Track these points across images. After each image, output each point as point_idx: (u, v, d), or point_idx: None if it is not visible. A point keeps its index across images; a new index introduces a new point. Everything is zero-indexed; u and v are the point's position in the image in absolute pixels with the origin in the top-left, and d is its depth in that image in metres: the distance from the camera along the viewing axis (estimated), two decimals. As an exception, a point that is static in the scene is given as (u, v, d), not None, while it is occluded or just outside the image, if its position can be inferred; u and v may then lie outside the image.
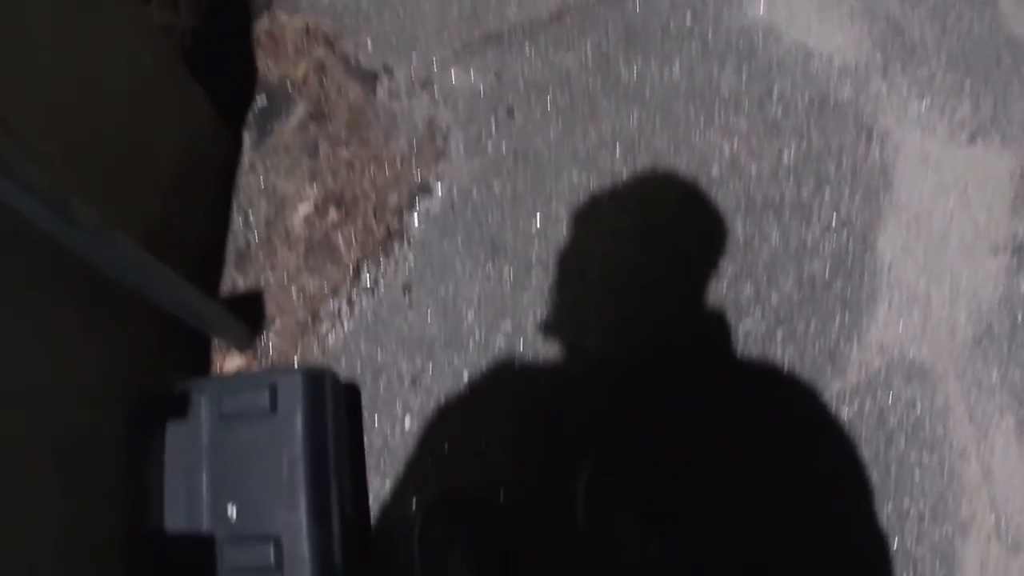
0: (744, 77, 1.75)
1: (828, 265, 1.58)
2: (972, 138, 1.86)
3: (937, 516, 1.45)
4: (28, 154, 0.93)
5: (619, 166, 1.65)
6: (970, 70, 2.04)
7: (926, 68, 1.97)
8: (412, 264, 1.61)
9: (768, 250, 1.58)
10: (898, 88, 1.89)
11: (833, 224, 1.62)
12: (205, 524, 1.31)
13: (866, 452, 1.47)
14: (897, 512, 1.45)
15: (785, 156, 1.67)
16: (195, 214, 1.63)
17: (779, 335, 1.53)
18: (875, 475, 1.46)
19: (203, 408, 1.36)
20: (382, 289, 1.61)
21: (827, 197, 1.64)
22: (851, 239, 1.61)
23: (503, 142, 1.69)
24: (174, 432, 1.37)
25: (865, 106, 1.80)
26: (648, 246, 1.59)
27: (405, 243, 1.64)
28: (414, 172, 1.69)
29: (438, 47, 1.83)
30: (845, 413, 1.49)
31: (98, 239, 1.09)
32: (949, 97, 1.93)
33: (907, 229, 1.65)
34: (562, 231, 1.60)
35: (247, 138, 1.80)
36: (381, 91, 1.80)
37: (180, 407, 1.37)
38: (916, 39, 2.05)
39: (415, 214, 1.66)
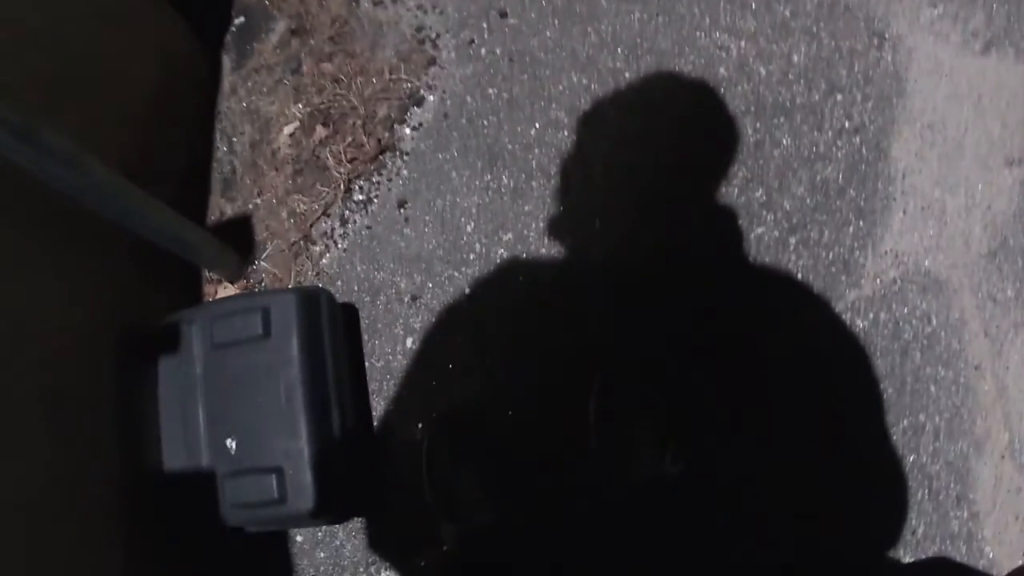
0: (751, -24, 1.60)
1: (841, 171, 1.46)
2: (986, 48, 1.72)
3: (952, 433, 1.36)
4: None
5: (621, 68, 1.50)
6: (983, -20, 1.91)
7: (938, -25, 1.84)
8: (406, 178, 1.48)
9: (779, 154, 1.45)
10: (909, -3, 1.76)
11: (846, 129, 1.49)
12: (205, 460, 1.22)
13: (881, 365, 1.37)
14: (913, 428, 1.36)
15: (795, 58, 1.53)
16: (176, 142, 1.51)
17: (792, 242, 1.41)
18: (891, 389, 1.37)
19: (195, 338, 1.25)
20: (376, 206, 1.48)
21: (839, 101, 1.51)
22: (864, 145, 1.49)
23: (497, 46, 1.54)
24: (167, 366, 1.27)
25: (876, 9, 1.66)
26: (653, 150, 1.46)
27: (398, 157, 1.50)
28: (404, 82, 1.54)
29: (424, -50, 1.67)
30: (860, 324, 1.38)
31: (71, 168, 1.00)
32: (962, 7, 1.79)
33: (921, 137, 1.53)
34: (563, 137, 1.46)
35: (226, 60, 1.64)
36: (364, 0, 1.64)
37: (171, 340, 1.26)
38: (927, -55, 1.91)
39: (407, 126, 1.52)
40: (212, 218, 1.54)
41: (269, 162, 1.55)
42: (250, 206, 1.53)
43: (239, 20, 1.69)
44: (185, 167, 1.54)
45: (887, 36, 1.63)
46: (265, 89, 1.62)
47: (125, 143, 1.30)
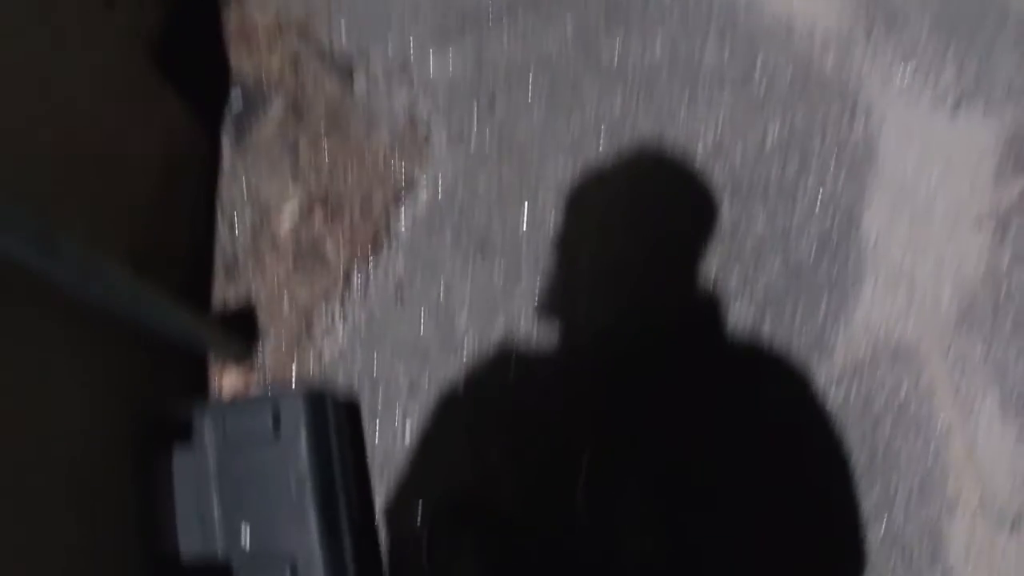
0: (727, 52, 1.65)
1: (814, 246, 1.52)
2: (956, 105, 1.77)
3: (924, 495, 1.41)
4: (8, 189, 0.87)
5: (604, 151, 1.55)
6: (955, 31, 1.94)
7: (910, 32, 1.87)
8: (402, 265, 1.52)
9: (755, 233, 1.51)
10: (882, 55, 1.79)
11: (819, 202, 1.55)
12: (220, 549, 1.26)
13: (854, 435, 1.43)
14: (885, 493, 1.41)
15: (770, 133, 1.59)
16: (180, 227, 1.54)
17: (768, 319, 1.47)
18: (863, 458, 1.42)
19: (207, 433, 1.29)
20: (373, 292, 1.52)
21: (812, 175, 1.57)
22: (837, 217, 1.54)
23: (486, 131, 1.59)
24: (181, 458, 1.31)
25: (849, 77, 1.71)
26: (637, 234, 1.51)
27: (394, 243, 1.54)
28: (398, 167, 1.59)
29: (414, 28, 1.71)
30: (833, 397, 1.44)
31: (86, 272, 1.01)
32: (933, 62, 1.83)
33: (892, 205, 1.59)
34: (550, 223, 1.51)
35: (226, 140, 1.68)
36: (359, 81, 1.69)
37: (185, 432, 1.31)
38: (898, 2, 1.95)
39: (401, 212, 1.56)
40: (215, 300, 1.57)
41: (270, 248, 1.59)
42: (252, 290, 1.56)
43: (237, 100, 1.73)
44: (189, 251, 1.57)
45: (859, 103, 1.68)
46: (264, 171, 1.66)
47: (134, 230, 1.33)
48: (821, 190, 1.56)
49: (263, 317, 1.54)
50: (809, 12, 1.79)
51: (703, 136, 1.57)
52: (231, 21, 1.98)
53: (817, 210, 1.54)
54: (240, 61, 1.85)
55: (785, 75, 1.65)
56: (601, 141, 1.56)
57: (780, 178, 1.55)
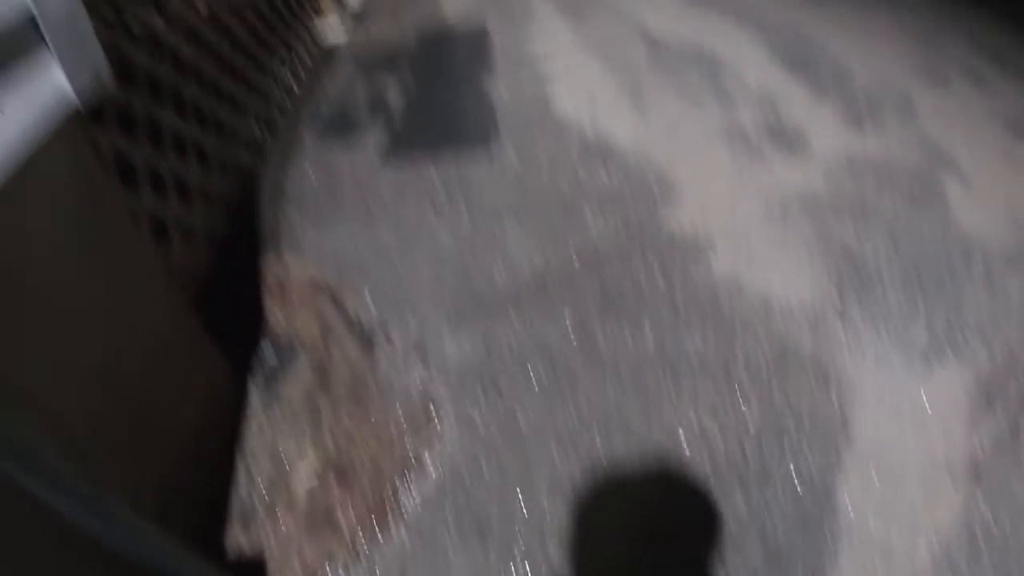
0: (711, 341, 1.84)
1: (790, 523, 1.63)
2: (926, 361, 1.93)
3: None
4: (83, 466, 0.99)
5: (596, 446, 1.71)
6: (923, 284, 2.13)
7: (880, 294, 2.06)
8: (405, 540, 1.64)
9: (733, 516, 1.63)
10: (854, 325, 1.98)
11: (794, 478, 1.67)
12: None
13: None
14: None
15: (748, 417, 1.75)
16: (206, 473, 1.67)
17: (746, 603, 1.59)
18: None
19: None
20: (377, 561, 1.62)
21: (788, 452, 1.71)
22: (812, 492, 1.66)
23: (491, 416, 1.76)
24: None
25: (823, 353, 1.88)
26: (623, 527, 1.64)
27: (400, 517, 1.67)
28: (408, 446, 1.75)
29: (432, 308, 1.93)
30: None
31: (132, 535, 1.11)
32: (904, 317, 2.01)
33: (866, 471, 1.71)
34: (544, 513, 1.65)
35: (254, 391, 1.85)
36: (380, 354, 1.90)
37: None
38: (870, 264, 2.15)
39: (409, 490, 1.70)
40: (229, 544, 1.68)
41: (285, 503, 1.73)
42: (264, 541, 1.67)
43: (268, 354, 1.94)
44: (211, 494, 1.69)
45: (831, 374, 1.85)
46: (286, 429, 1.83)
47: (166, 475, 1.41)
48: (796, 466, 1.70)
49: (272, 568, 1.64)
50: (787, 288, 1.99)
51: (686, 427, 1.73)
52: (270, 274, 2.24)
53: (792, 486, 1.67)
54: (274, 313, 2.08)
55: (763, 359, 1.84)
56: (594, 437, 1.72)
57: (757, 461, 1.70)
